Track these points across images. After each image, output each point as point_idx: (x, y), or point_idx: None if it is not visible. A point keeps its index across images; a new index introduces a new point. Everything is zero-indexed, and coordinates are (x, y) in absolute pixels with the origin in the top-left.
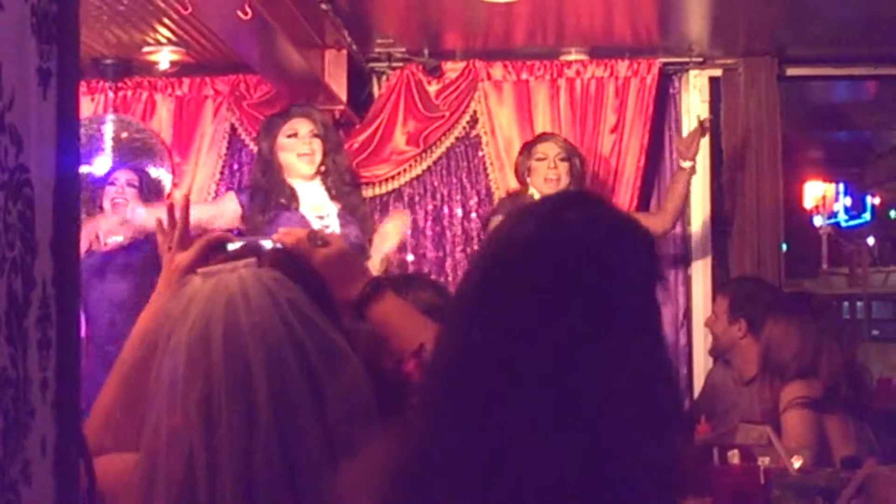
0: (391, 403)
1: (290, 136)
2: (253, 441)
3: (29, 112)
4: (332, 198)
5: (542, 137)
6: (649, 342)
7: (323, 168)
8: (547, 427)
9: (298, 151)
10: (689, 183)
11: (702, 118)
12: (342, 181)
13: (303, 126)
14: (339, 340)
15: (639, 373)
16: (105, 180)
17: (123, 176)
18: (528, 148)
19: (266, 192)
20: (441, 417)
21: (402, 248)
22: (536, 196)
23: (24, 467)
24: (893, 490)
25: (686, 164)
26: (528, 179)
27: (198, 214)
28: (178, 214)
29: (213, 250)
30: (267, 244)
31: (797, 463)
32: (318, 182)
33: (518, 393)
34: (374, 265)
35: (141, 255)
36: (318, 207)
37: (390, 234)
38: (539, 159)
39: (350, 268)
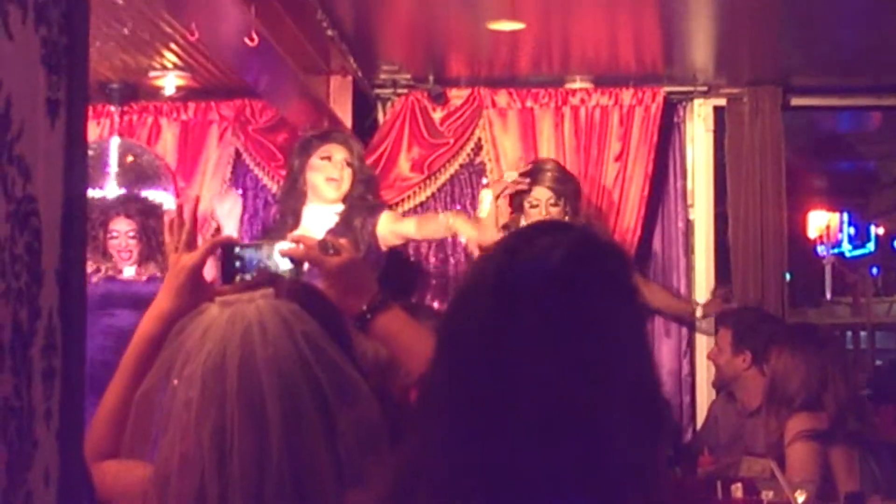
0: (398, 432)
1: (323, 158)
2: (264, 471)
3: (37, 142)
4: (337, 221)
5: (536, 177)
6: (631, 353)
7: (346, 198)
8: (539, 440)
9: (328, 175)
10: (682, 316)
11: (721, 294)
12: (354, 209)
13: (338, 152)
14: (352, 373)
15: (624, 382)
16: (105, 223)
17: (124, 227)
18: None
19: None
20: (435, 435)
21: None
22: None
23: (27, 499)
24: None
25: (699, 314)
26: (522, 214)
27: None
28: (186, 215)
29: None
30: (284, 263)
31: (801, 497)
32: (334, 209)
33: (507, 409)
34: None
35: (155, 289)
36: (312, 231)
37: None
38: (532, 206)
39: (360, 278)
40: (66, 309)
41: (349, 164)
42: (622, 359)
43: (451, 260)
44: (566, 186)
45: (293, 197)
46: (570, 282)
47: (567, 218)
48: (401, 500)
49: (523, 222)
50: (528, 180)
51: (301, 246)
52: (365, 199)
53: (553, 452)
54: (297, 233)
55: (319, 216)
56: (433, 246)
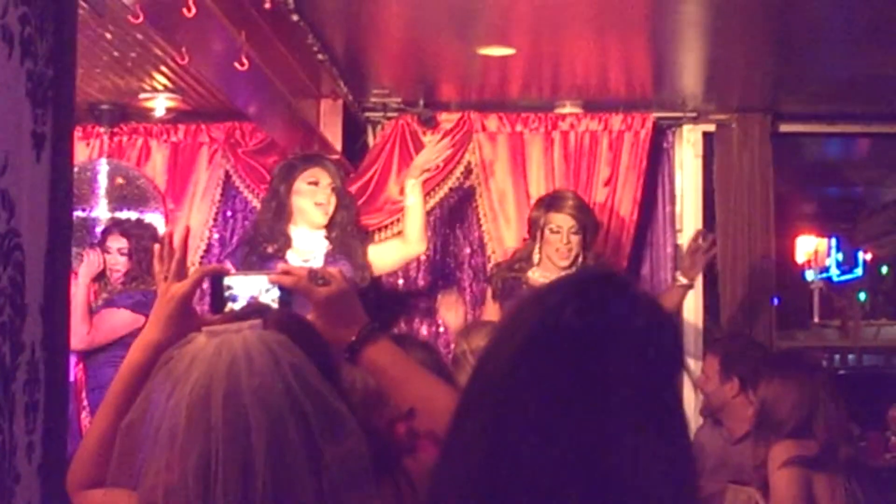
0: (383, 466)
1: (310, 184)
2: (249, 503)
3: (22, 176)
4: (330, 246)
5: (557, 205)
6: (675, 432)
7: (331, 221)
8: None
9: (316, 200)
10: (683, 299)
11: (702, 235)
12: (344, 234)
13: (324, 177)
14: (339, 406)
15: (663, 461)
16: (93, 238)
17: (116, 245)
18: (543, 209)
19: (254, 244)
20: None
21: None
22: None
23: None
24: None
25: (684, 281)
26: (538, 243)
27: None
28: (176, 244)
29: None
30: (273, 293)
31: None
32: (321, 232)
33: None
34: (411, 183)
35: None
36: (306, 252)
37: (428, 152)
38: (553, 231)
39: (350, 308)
40: (49, 343)
41: (334, 189)
42: (671, 437)
43: (440, 284)
44: (587, 217)
45: (281, 219)
46: (633, 342)
47: (584, 249)
48: None
49: (536, 251)
50: (441, 156)
51: (290, 275)
52: (352, 223)
53: None
54: (291, 255)
55: (310, 239)
56: (422, 269)
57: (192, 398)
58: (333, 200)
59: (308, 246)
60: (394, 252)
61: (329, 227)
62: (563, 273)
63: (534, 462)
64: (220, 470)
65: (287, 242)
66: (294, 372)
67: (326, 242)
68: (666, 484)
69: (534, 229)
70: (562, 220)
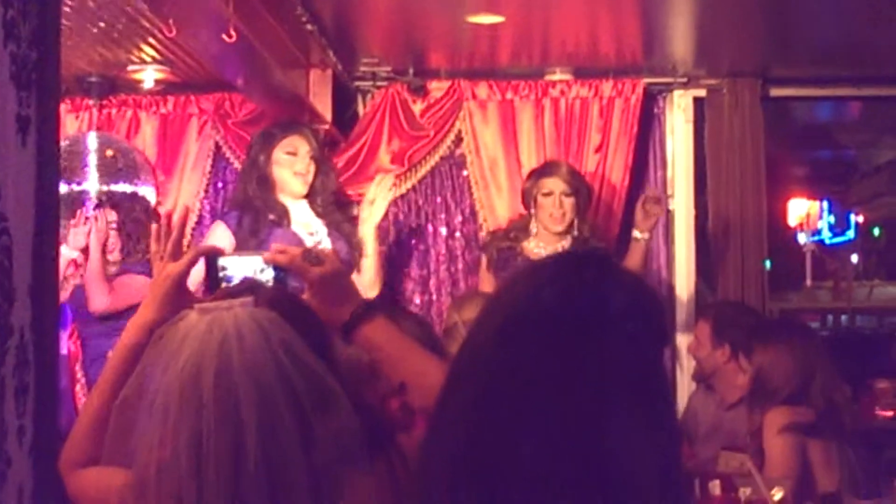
0: (377, 442)
1: (288, 154)
2: (240, 479)
3: (8, 160)
4: (319, 216)
5: (549, 170)
6: (658, 409)
7: (312, 189)
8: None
9: (295, 170)
10: (644, 253)
11: (651, 195)
12: (328, 201)
13: (302, 145)
14: (331, 383)
15: (647, 441)
16: (82, 210)
17: (103, 218)
18: (535, 177)
19: (256, 212)
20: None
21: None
22: (532, 229)
23: None
24: None
25: (640, 236)
26: (532, 210)
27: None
28: (174, 223)
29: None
30: (268, 273)
31: (778, 495)
32: (305, 202)
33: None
34: (369, 237)
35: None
36: (307, 225)
37: (377, 200)
38: (545, 195)
39: (344, 288)
40: (38, 325)
41: (313, 157)
42: (656, 412)
43: (432, 251)
44: (580, 182)
45: (268, 189)
46: (618, 322)
47: (576, 219)
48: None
49: (533, 223)
50: (386, 191)
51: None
52: (333, 191)
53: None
54: (296, 227)
55: (300, 211)
56: (414, 238)
57: (183, 375)
58: (312, 168)
59: (303, 218)
60: None
61: (310, 195)
62: (559, 244)
63: (519, 436)
64: (212, 447)
65: (286, 212)
66: (285, 349)
67: (312, 213)
68: (651, 456)
69: (528, 199)
70: (553, 184)
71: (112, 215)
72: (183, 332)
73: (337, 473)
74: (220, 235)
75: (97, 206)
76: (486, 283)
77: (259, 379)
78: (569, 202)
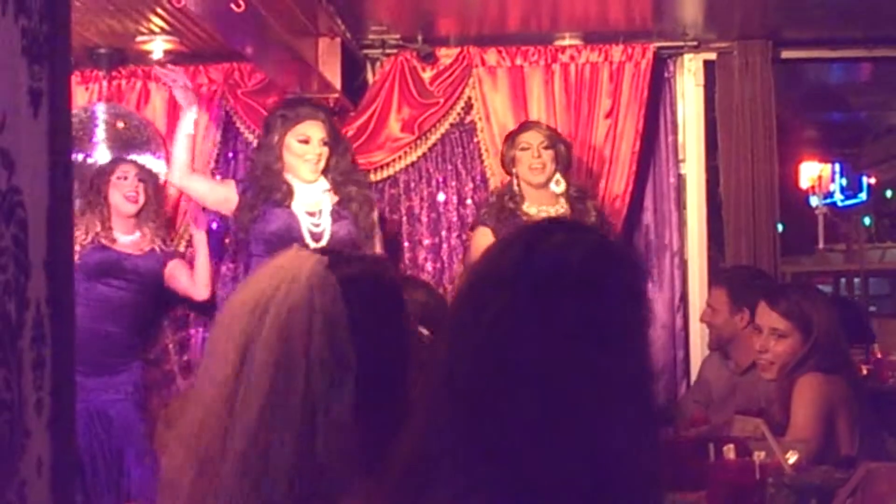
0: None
1: (301, 141)
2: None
3: (20, 133)
4: (332, 191)
5: (525, 126)
6: (633, 358)
7: (325, 167)
8: (538, 436)
9: (306, 157)
10: None
11: None
12: (342, 178)
13: (316, 133)
14: (348, 370)
15: (623, 385)
16: (111, 172)
17: (132, 170)
18: (511, 138)
19: (258, 190)
20: (436, 427)
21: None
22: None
23: (20, 489)
24: (886, 486)
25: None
26: (514, 170)
27: (195, 185)
28: None
29: None
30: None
31: (792, 458)
32: (318, 185)
33: (507, 402)
34: None
35: (153, 264)
36: (312, 204)
37: None
38: (523, 149)
39: None
40: (54, 299)
41: (325, 144)
42: (624, 363)
43: (443, 219)
44: (557, 138)
45: (273, 171)
46: (585, 284)
47: (558, 174)
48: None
49: (515, 183)
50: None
51: None
52: (349, 169)
53: (551, 447)
54: (297, 206)
55: (311, 191)
56: (425, 206)
57: (233, 310)
58: (325, 154)
59: (310, 198)
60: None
61: (323, 173)
62: (556, 206)
63: (495, 398)
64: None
65: (290, 193)
66: (324, 315)
67: (328, 194)
68: (623, 403)
69: (507, 161)
70: (531, 137)
71: (136, 168)
72: (268, 266)
73: (334, 470)
74: (228, 190)
75: (115, 162)
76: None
77: (284, 337)
78: (547, 154)
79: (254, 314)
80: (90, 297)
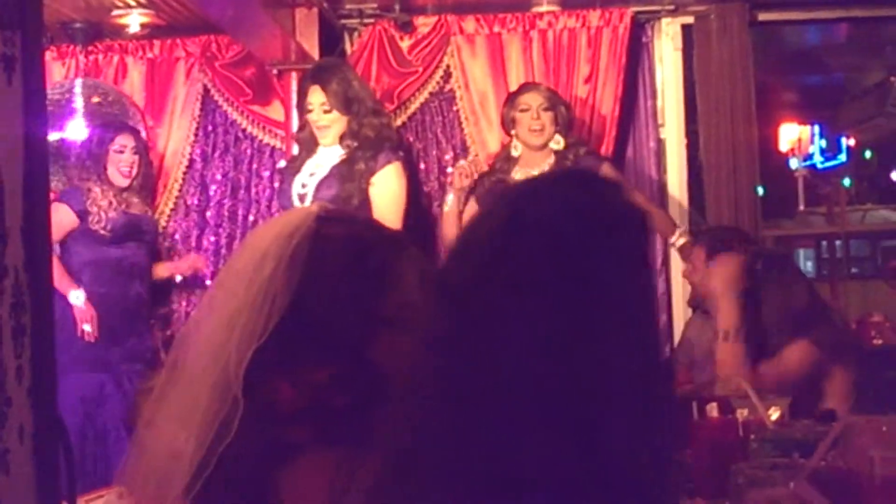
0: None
1: (308, 110)
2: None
3: None
4: (344, 155)
5: (525, 88)
6: (634, 325)
7: (344, 133)
8: (540, 419)
9: (315, 124)
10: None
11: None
12: (354, 145)
13: (316, 97)
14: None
15: (633, 363)
16: (109, 142)
17: (130, 142)
18: (511, 99)
19: (299, 145)
20: (430, 413)
21: None
22: (518, 151)
23: (3, 456)
24: (867, 439)
25: (676, 240)
26: (514, 131)
27: None
28: None
29: None
30: None
31: (775, 415)
32: (337, 149)
33: (510, 384)
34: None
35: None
36: (315, 167)
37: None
38: (523, 110)
39: None
40: (32, 266)
41: (327, 111)
42: (624, 330)
43: (424, 188)
44: (558, 99)
45: (305, 132)
46: (582, 246)
47: (558, 132)
48: (391, 483)
49: (514, 144)
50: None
51: None
52: (369, 136)
53: (545, 442)
54: (309, 166)
55: (322, 154)
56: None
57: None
58: (333, 119)
59: (318, 161)
60: None
61: (342, 139)
62: (544, 164)
63: (503, 348)
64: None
65: (304, 160)
66: (290, 259)
67: (337, 157)
68: (636, 363)
69: (507, 122)
70: (530, 98)
71: (133, 139)
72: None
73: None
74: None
75: (117, 131)
76: (452, 227)
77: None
78: (547, 115)
79: (252, 258)
80: (122, 261)
